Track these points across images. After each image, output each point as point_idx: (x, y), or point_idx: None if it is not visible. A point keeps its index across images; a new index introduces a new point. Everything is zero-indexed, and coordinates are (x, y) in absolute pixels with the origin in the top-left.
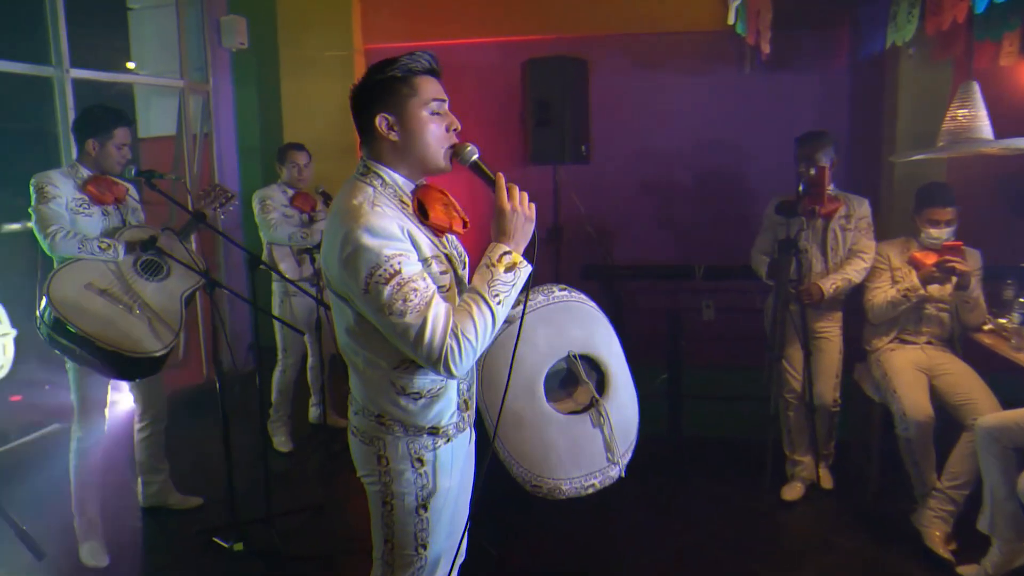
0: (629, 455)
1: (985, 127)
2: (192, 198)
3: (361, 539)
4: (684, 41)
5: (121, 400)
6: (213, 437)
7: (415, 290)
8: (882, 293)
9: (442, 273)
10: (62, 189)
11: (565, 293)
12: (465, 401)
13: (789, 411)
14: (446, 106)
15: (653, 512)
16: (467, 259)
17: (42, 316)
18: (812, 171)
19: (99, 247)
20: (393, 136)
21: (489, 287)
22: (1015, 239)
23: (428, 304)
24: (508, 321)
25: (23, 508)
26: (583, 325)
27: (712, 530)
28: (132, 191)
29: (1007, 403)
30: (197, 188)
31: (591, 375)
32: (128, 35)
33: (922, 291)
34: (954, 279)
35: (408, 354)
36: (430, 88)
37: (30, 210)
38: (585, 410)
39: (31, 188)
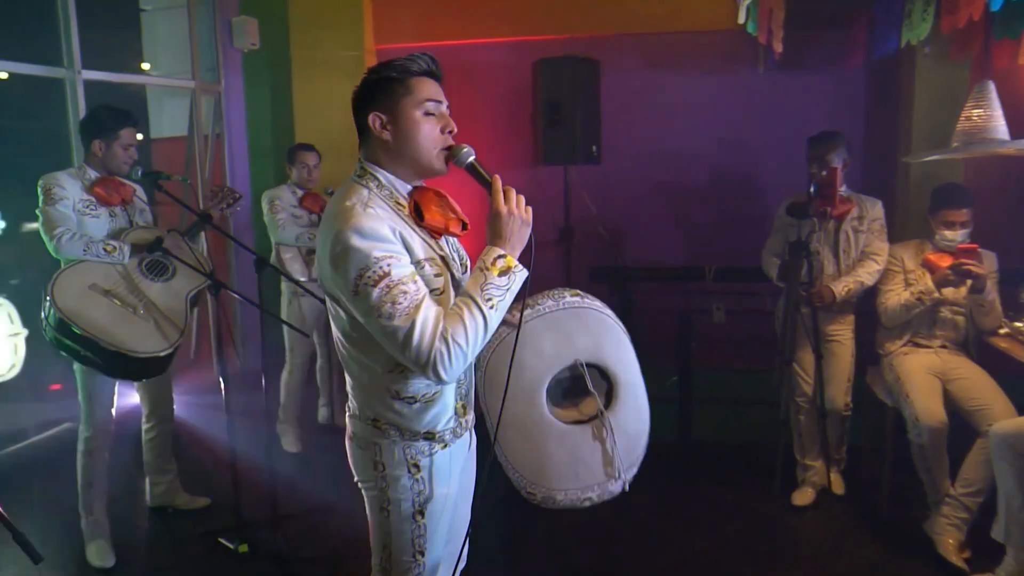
0: (634, 470)
1: (1001, 127)
2: (199, 199)
3: (367, 542)
4: (696, 41)
5: (129, 400)
6: (223, 437)
7: (404, 293)
8: (895, 296)
9: (436, 276)
10: (69, 191)
11: (577, 299)
12: (462, 406)
13: (800, 415)
14: (443, 108)
15: (661, 517)
16: (468, 262)
17: (47, 317)
18: (823, 172)
19: (104, 249)
20: (386, 135)
21: (482, 291)
22: None
23: (417, 307)
24: (511, 325)
25: (37, 505)
26: (593, 333)
27: (721, 535)
28: (140, 192)
29: (1023, 409)
30: (209, 189)
31: (600, 385)
32: (140, 37)
33: (936, 294)
34: (969, 282)
35: (398, 358)
36: (426, 89)
37: (37, 211)
38: (589, 421)
39: (39, 189)
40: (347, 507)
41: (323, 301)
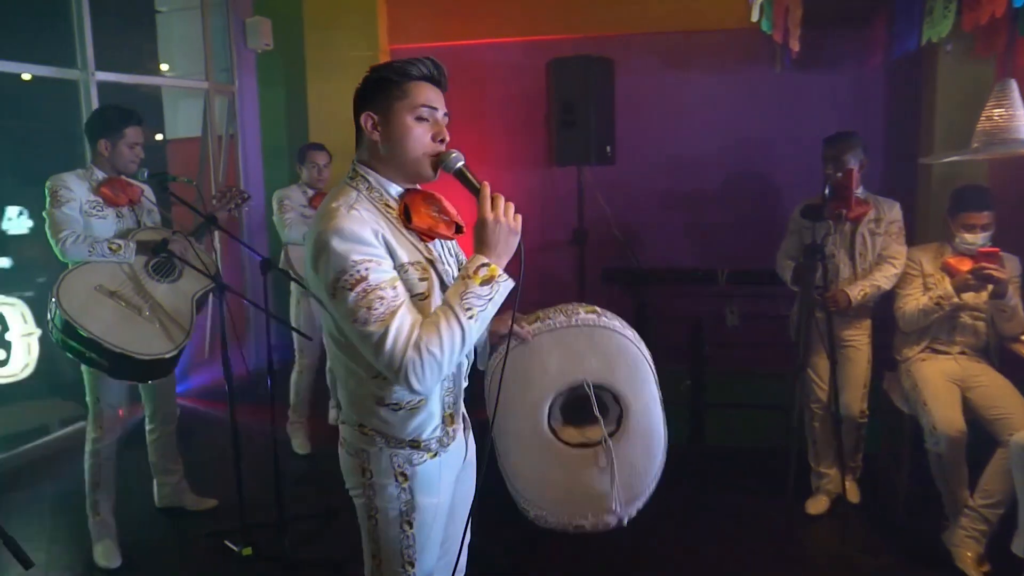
0: (636, 506)
1: (1023, 127)
2: (205, 200)
3: None
4: (712, 40)
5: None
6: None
7: (381, 299)
8: (913, 300)
9: (420, 280)
10: (76, 192)
11: (592, 317)
12: (450, 415)
13: (815, 422)
14: (438, 115)
15: (672, 523)
16: None
17: (52, 319)
18: (839, 173)
19: (109, 248)
20: (376, 136)
21: (462, 300)
22: None
23: (393, 314)
24: (520, 339)
25: (50, 501)
26: (605, 355)
27: (732, 543)
28: (148, 193)
29: None
30: (217, 190)
31: (612, 410)
32: (156, 38)
33: (956, 299)
34: (990, 287)
35: (373, 363)
36: (422, 94)
37: (44, 214)
38: (593, 446)
39: (46, 191)
40: (354, 510)
41: None
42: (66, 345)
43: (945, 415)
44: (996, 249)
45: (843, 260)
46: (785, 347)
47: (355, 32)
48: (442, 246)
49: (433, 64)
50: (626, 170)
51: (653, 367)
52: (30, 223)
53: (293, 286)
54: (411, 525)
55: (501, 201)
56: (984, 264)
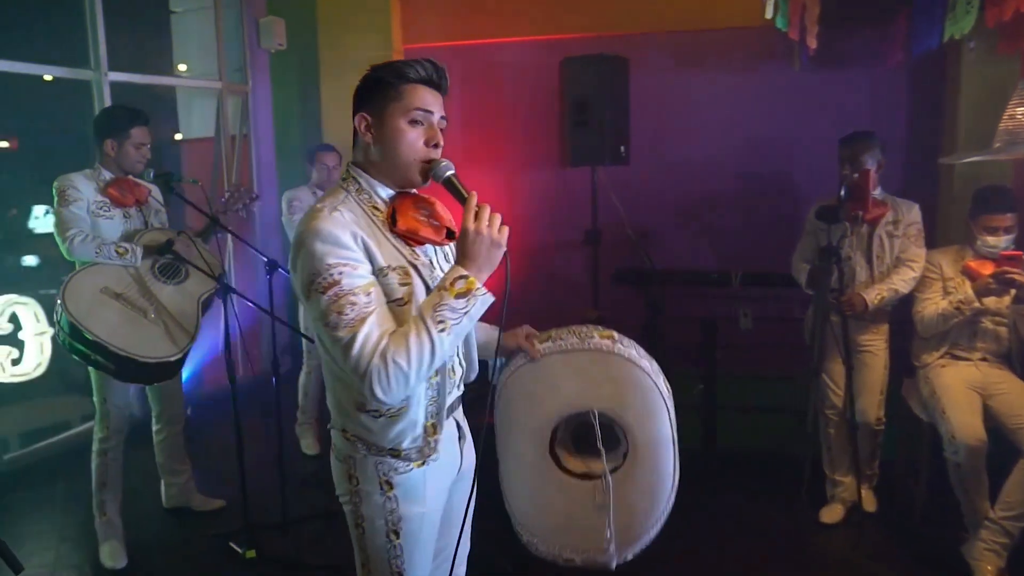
0: (634, 550)
1: None
2: (210, 201)
3: None
4: (728, 38)
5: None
6: (244, 437)
7: (352, 304)
8: (932, 305)
9: (401, 285)
10: (83, 192)
11: (606, 343)
12: (432, 425)
13: (830, 428)
14: (433, 118)
15: (683, 529)
16: None
17: (59, 322)
18: (855, 174)
19: (116, 252)
20: (368, 138)
21: (434, 311)
22: None
23: (363, 320)
24: (529, 359)
25: (62, 500)
26: (617, 384)
27: (743, 550)
28: (155, 193)
29: None
30: (224, 190)
31: (621, 445)
32: (171, 39)
33: (977, 303)
34: (1013, 291)
35: (343, 368)
36: (417, 97)
37: (52, 213)
38: (593, 479)
39: (53, 190)
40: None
41: None
42: (72, 348)
43: (964, 423)
44: (1019, 252)
45: (860, 263)
46: (799, 351)
47: (369, 32)
48: (436, 252)
49: (432, 66)
50: (640, 170)
51: (670, 404)
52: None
53: None
54: (398, 535)
55: (486, 212)
56: (1006, 268)
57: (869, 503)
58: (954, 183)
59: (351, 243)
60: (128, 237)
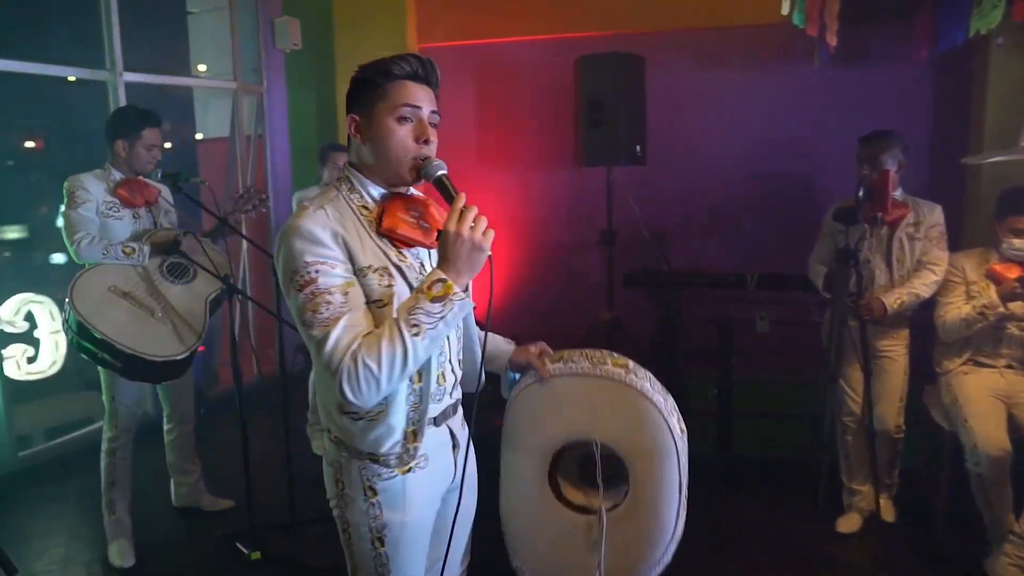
0: None
1: None
2: (219, 202)
3: None
4: (747, 35)
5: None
6: (256, 437)
7: (328, 303)
8: (955, 309)
9: (382, 286)
10: (93, 193)
11: (619, 372)
12: (413, 432)
13: (847, 435)
14: (422, 113)
15: (694, 537)
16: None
17: (67, 320)
18: (874, 175)
19: (123, 251)
20: (358, 139)
21: (409, 315)
22: None
23: (336, 320)
24: (539, 379)
25: (78, 497)
26: (623, 418)
27: (758, 559)
28: (165, 193)
29: None
30: (234, 191)
31: (625, 482)
32: (188, 39)
33: (1001, 308)
34: None
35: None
36: (404, 94)
37: (60, 214)
38: (590, 514)
39: (64, 191)
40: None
41: None
42: (81, 347)
43: (987, 433)
44: None
45: (879, 266)
46: (817, 355)
47: (384, 31)
48: (430, 255)
49: (418, 61)
50: (657, 170)
51: (682, 447)
52: None
53: None
54: (382, 542)
55: (471, 215)
56: None
57: (888, 513)
58: (981, 184)
59: (330, 242)
60: (137, 237)
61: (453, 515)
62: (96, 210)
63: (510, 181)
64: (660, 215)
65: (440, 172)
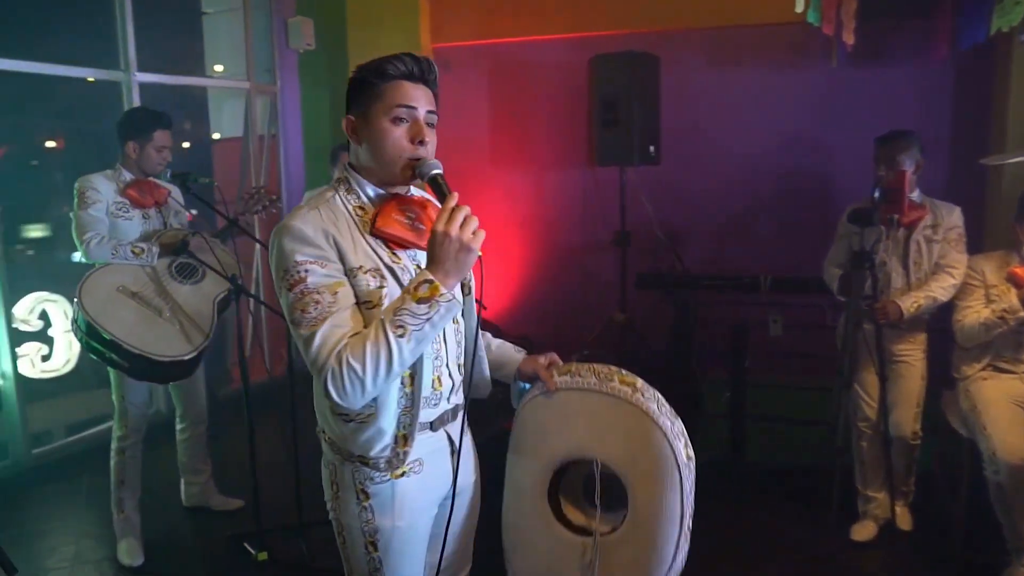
0: None
1: None
2: (226, 202)
3: None
4: (764, 34)
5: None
6: (267, 437)
7: (316, 303)
8: (974, 313)
9: (372, 287)
10: (103, 193)
11: (626, 390)
12: (403, 436)
13: (862, 441)
14: (418, 113)
15: (706, 544)
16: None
17: (76, 321)
18: (891, 175)
19: (132, 251)
20: (355, 140)
21: (395, 316)
22: None
23: (324, 319)
24: (546, 394)
25: (93, 495)
26: (626, 439)
27: (771, 568)
28: (176, 194)
29: None
30: (244, 191)
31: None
32: (203, 40)
33: (1022, 313)
34: None
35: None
36: (398, 94)
37: (71, 214)
38: (584, 535)
39: (75, 191)
40: None
41: None
42: (89, 346)
43: (1007, 441)
44: None
45: (896, 269)
46: (832, 360)
47: (398, 31)
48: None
49: (413, 60)
50: (671, 171)
51: (686, 475)
52: None
53: None
54: (375, 547)
55: (460, 214)
56: None
57: (904, 521)
58: (1002, 185)
59: (322, 242)
60: (147, 238)
61: (454, 522)
62: (106, 210)
63: (523, 181)
64: (674, 216)
65: (434, 171)
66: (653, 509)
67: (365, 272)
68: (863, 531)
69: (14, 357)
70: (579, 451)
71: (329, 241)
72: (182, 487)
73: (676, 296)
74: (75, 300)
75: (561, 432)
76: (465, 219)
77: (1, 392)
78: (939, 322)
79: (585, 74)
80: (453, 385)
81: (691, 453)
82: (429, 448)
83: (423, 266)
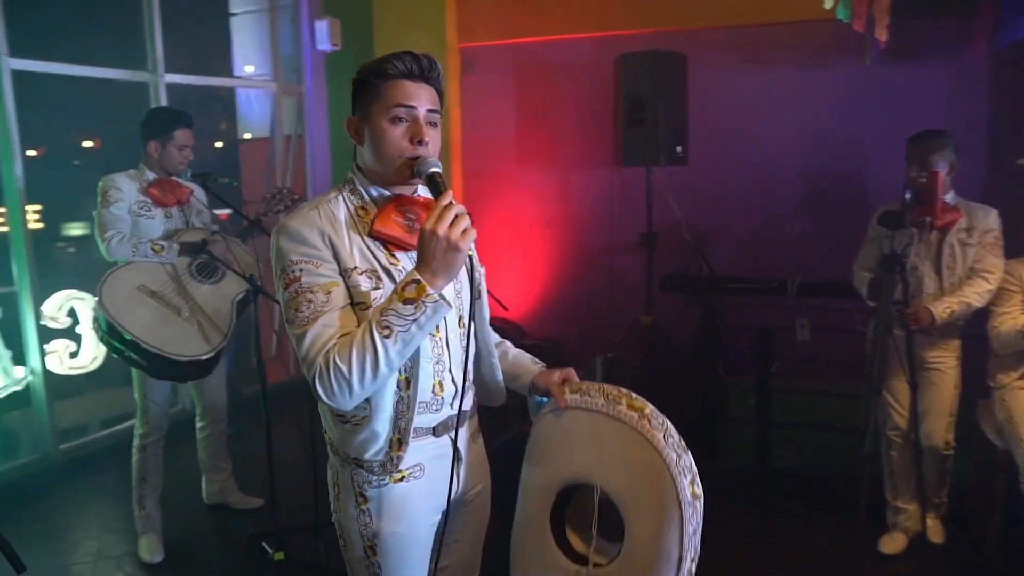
0: None
1: None
2: (245, 202)
3: None
4: (794, 32)
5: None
6: (287, 437)
7: (309, 302)
8: (1011, 320)
9: (371, 288)
10: (125, 192)
11: (633, 416)
12: (398, 440)
13: (892, 450)
14: (418, 112)
15: (729, 554)
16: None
17: (96, 320)
18: (923, 177)
19: (152, 249)
20: (357, 140)
21: (381, 316)
22: None
23: (315, 319)
24: (556, 411)
25: (116, 490)
26: (626, 467)
27: None
28: (198, 193)
29: None
30: (267, 191)
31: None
32: (230, 40)
33: None
34: None
35: None
36: (397, 94)
37: (93, 213)
38: (581, 564)
39: (98, 190)
40: None
41: None
42: (110, 345)
43: None
44: None
45: (928, 273)
46: (861, 366)
47: (424, 31)
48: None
49: (413, 58)
50: (699, 171)
51: (688, 515)
52: None
53: None
54: (374, 551)
55: (450, 213)
56: None
57: (936, 534)
58: None
59: (317, 241)
60: (168, 236)
61: (460, 531)
62: (128, 209)
63: (550, 181)
64: (702, 217)
65: (432, 170)
66: (649, 548)
67: (360, 273)
68: (892, 543)
69: (43, 354)
70: (581, 474)
71: (324, 241)
72: (203, 484)
73: (701, 299)
74: (96, 300)
75: (566, 453)
76: (455, 218)
77: (30, 388)
78: (974, 328)
79: (611, 73)
80: (457, 390)
81: (698, 491)
82: (431, 454)
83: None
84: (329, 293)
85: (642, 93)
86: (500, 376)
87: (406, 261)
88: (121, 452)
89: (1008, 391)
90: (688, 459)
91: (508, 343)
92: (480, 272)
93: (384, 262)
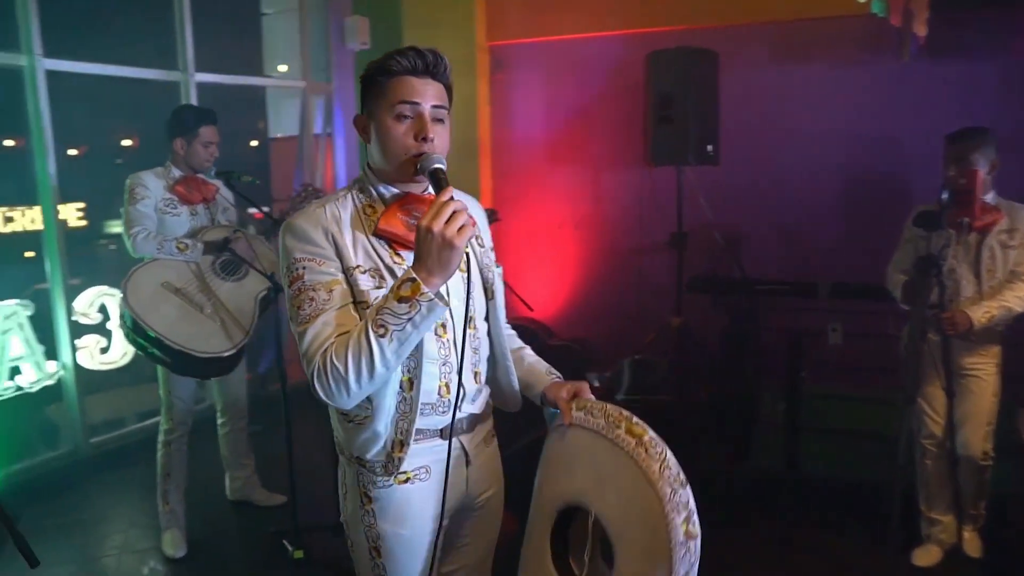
0: None
1: None
2: (275, 200)
3: None
4: (829, 28)
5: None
6: (310, 435)
7: (311, 300)
8: None
9: (374, 287)
10: (152, 190)
11: (630, 441)
12: (399, 442)
13: (927, 459)
14: (423, 108)
15: (756, 563)
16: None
17: (122, 317)
18: (962, 176)
19: (176, 247)
20: (365, 138)
21: (377, 315)
22: None
23: (316, 316)
24: (562, 427)
25: (141, 484)
26: (620, 495)
27: None
28: (223, 191)
29: None
30: (293, 189)
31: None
32: (261, 40)
33: None
34: None
35: None
36: (401, 90)
37: (121, 211)
38: None
39: (125, 187)
40: None
41: None
42: (135, 342)
43: None
44: None
45: (966, 276)
46: (894, 371)
47: (453, 29)
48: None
49: (417, 54)
50: (731, 171)
51: (679, 556)
52: None
53: None
54: (379, 552)
55: (446, 211)
56: None
57: (973, 547)
58: None
59: (321, 240)
60: (193, 234)
61: (470, 535)
62: (154, 206)
63: (579, 179)
64: (733, 217)
65: (435, 166)
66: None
67: (363, 272)
68: (926, 556)
69: (74, 349)
70: (578, 498)
71: (328, 239)
72: (226, 481)
73: (731, 301)
74: (120, 297)
75: (567, 472)
76: (453, 215)
77: (62, 383)
78: (1016, 334)
79: (641, 71)
80: (465, 393)
81: (694, 530)
82: (438, 456)
83: None
84: (331, 291)
85: (671, 91)
86: (516, 381)
87: (411, 260)
88: (150, 447)
89: None
90: (686, 495)
91: (527, 349)
92: (496, 272)
93: (388, 261)
